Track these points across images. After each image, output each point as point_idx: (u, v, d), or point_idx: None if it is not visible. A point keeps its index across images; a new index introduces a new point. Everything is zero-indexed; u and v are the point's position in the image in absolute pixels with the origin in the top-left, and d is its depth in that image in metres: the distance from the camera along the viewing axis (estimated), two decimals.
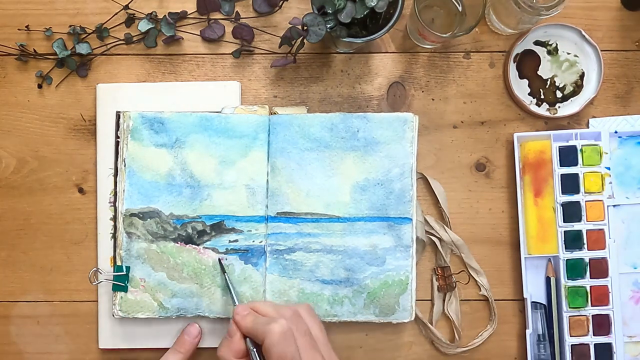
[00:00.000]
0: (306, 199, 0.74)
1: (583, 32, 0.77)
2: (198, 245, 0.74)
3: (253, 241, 0.74)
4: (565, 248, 0.76)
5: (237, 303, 0.72)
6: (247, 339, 0.67)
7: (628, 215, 0.77)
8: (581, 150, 0.76)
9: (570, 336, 0.75)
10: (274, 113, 0.76)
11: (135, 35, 0.78)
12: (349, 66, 0.78)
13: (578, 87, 0.78)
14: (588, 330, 0.75)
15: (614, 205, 0.77)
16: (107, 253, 0.76)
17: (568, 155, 0.76)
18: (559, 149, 0.76)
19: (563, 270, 0.75)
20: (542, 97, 0.78)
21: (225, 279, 0.73)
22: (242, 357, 0.67)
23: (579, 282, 0.75)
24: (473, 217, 0.78)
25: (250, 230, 0.74)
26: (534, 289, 0.77)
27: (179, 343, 0.74)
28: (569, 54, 0.78)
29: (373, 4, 0.68)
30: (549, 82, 0.78)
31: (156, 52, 0.78)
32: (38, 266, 0.78)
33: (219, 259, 0.74)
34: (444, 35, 0.71)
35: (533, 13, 0.70)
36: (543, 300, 0.77)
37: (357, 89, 0.78)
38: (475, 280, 0.77)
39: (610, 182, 0.76)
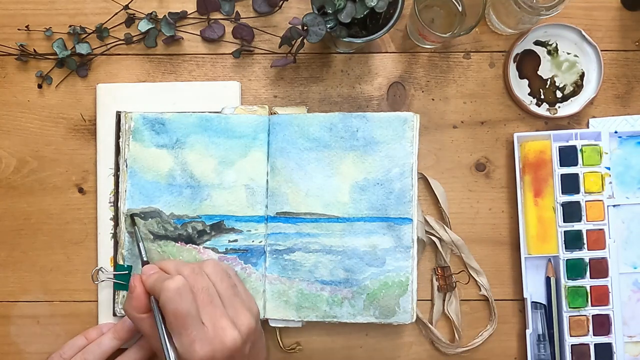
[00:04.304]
0: (305, 199, 0.74)
1: (583, 32, 0.77)
2: (198, 245, 0.74)
3: (252, 241, 0.74)
4: (565, 248, 0.76)
5: (146, 259, 0.71)
6: (152, 296, 0.66)
7: (628, 215, 0.77)
8: (581, 150, 0.76)
9: (570, 336, 0.75)
10: (274, 113, 0.75)
11: (135, 35, 0.78)
12: (349, 66, 0.78)
13: (578, 87, 0.78)
14: (588, 330, 0.75)
15: (614, 205, 0.77)
16: (107, 253, 0.76)
17: (568, 155, 0.76)
18: (559, 149, 0.76)
19: (563, 270, 0.75)
20: (542, 97, 0.78)
21: (136, 233, 0.72)
22: (144, 313, 0.66)
23: (579, 282, 0.75)
24: (473, 217, 0.78)
25: (250, 230, 0.74)
26: (534, 289, 0.77)
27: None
28: (569, 54, 0.78)
29: (373, 4, 0.68)
30: (549, 82, 0.78)
31: (156, 52, 0.78)
32: (38, 266, 0.78)
33: (131, 215, 0.73)
34: (444, 35, 0.71)
35: (533, 13, 0.70)
36: (543, 300, 0.77)
37: (357, 89, 0.78)
38: (475, 280, 0.77)
39: (610, 182, 0.76)
